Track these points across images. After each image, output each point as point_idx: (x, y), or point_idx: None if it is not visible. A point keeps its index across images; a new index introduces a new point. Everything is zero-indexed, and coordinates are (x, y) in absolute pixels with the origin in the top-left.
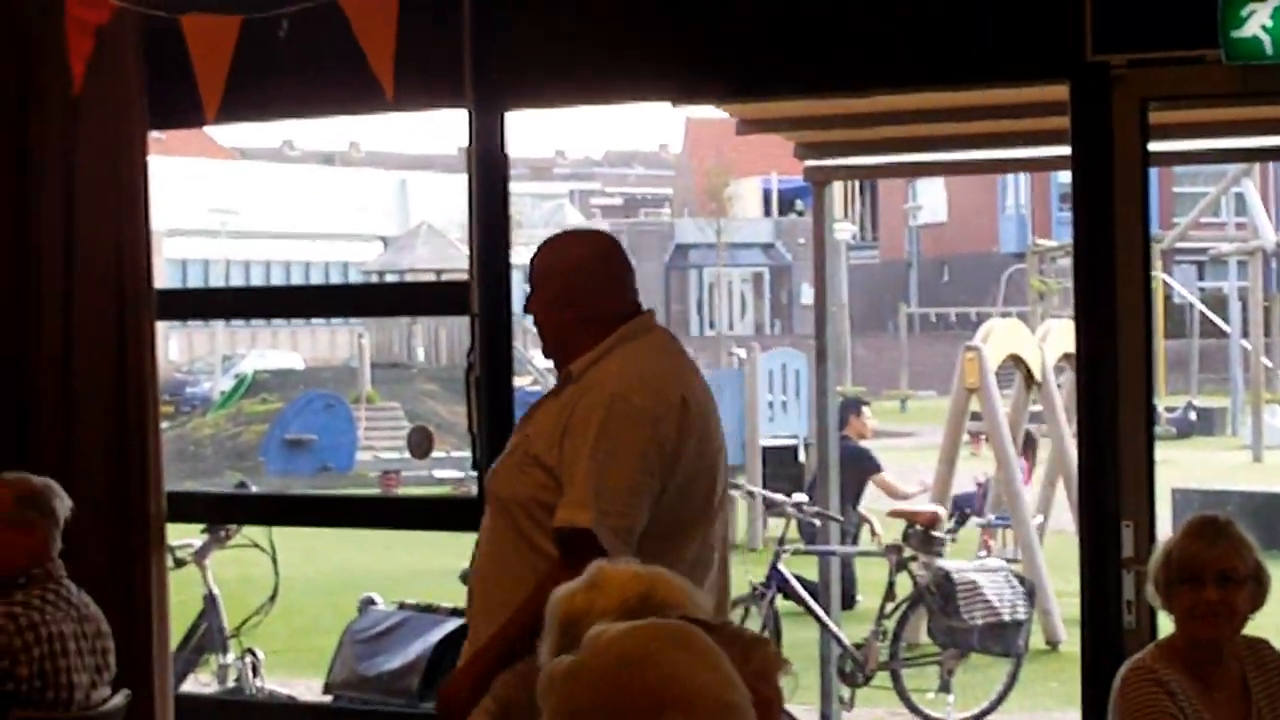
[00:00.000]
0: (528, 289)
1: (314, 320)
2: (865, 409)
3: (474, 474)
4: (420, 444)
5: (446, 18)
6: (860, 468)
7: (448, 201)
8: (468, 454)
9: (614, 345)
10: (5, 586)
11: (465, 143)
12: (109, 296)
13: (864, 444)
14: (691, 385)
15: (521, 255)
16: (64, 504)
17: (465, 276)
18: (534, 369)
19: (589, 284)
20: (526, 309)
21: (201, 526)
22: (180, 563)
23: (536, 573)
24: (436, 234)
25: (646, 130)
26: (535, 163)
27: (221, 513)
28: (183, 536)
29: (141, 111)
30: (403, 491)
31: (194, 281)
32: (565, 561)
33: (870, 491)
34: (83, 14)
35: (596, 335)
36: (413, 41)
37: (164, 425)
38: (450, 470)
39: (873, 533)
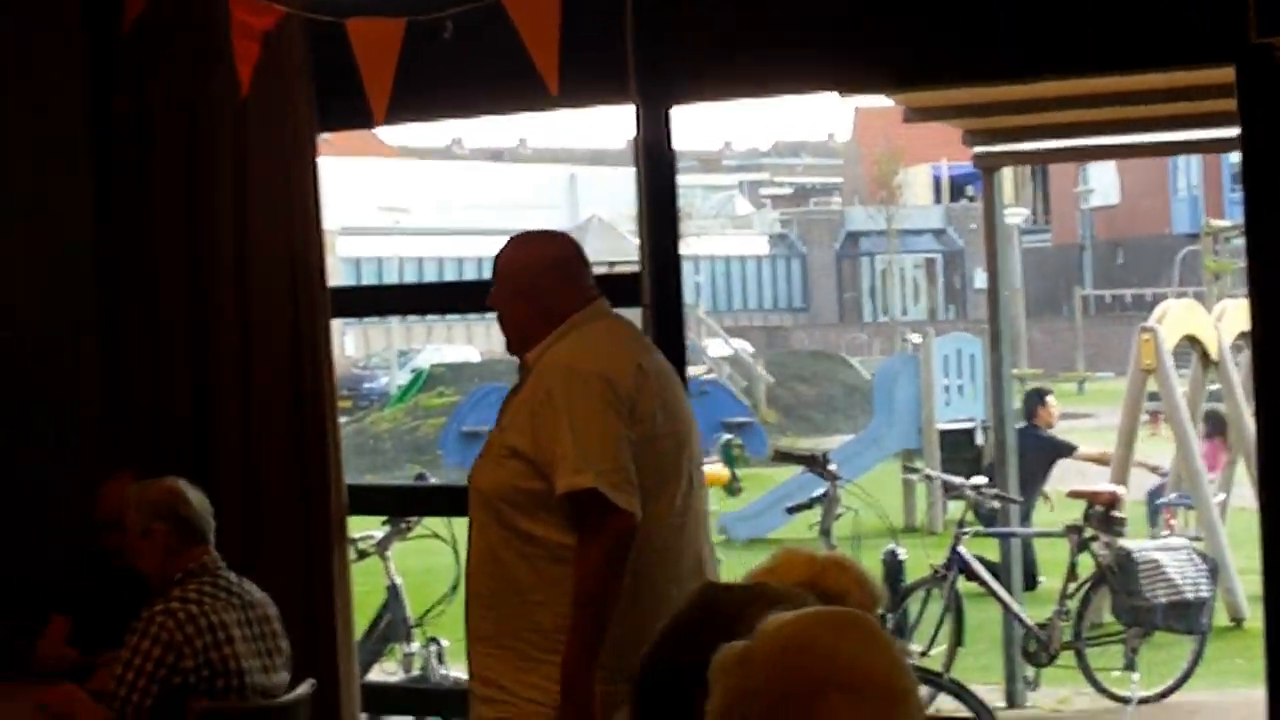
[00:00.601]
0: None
1: (488, 314)
2: (1050, 398)
3: None
4: None
5: (610, 13)
6: (1048, 453)
7: (617, 195)
8: None
9: (566, 331)
10: (165, 587)
11: (633, 136)
12: (284, 296)
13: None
14: (646, 358)
15: (692, 247)
16: (190, 501)
17: (636, 268)
18: (707, 359)
19: (545, 279)
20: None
21: (383, 519)
22: (363, 554)
23: (524, 558)
24: (607, 227)
25: (814, 120)
26: (704, 155)
27: (402, 505)
28: (364, 529)
29: (310, 114)
30: None
31: (367, 279)
32: (584, 526)
33: (1054, 475)
34: (249, 19)
35: (550, 327)
36: (576, 38)
37: (342, 420)
38: None
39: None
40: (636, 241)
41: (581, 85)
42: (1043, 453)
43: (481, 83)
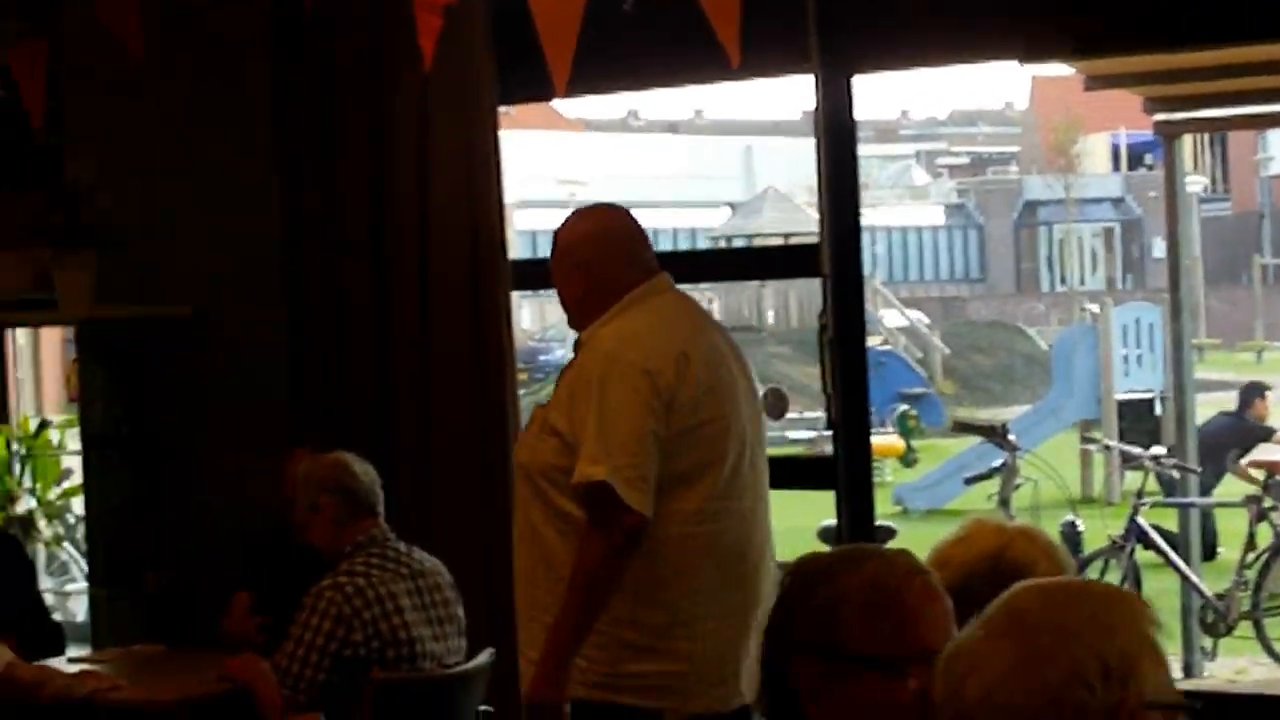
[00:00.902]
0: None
1: None
2: (1269, 393)
3: (828, 433)
4: (775, 405)
5: None
6: (1251, 439)
7: (793, 166)
8: (819, 414)
9: (620, 311)
10: (335, 560)
11: (809, 107)
12: (464, 269)
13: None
14: (695, 342)
15: (868, 217)
16: (356, 474)
17: (814, 239)
18: (883, 329)
19: (597, 256)
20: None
21: None
22: None
23: (561, 534)
24: (783, 198)
25: (991, 88)
26: (880, 124)
27: None
28: None
29: (491, 87)
30: None
31: (544, 252)
32: (591, 517)
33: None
34: None
35: (607, 303)
36: (756, 7)
37: (519, 392)
38: (803, 431)
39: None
40: (812, 212)
41: (762, 55)
42: (1244, 438)
43: (661, 54)
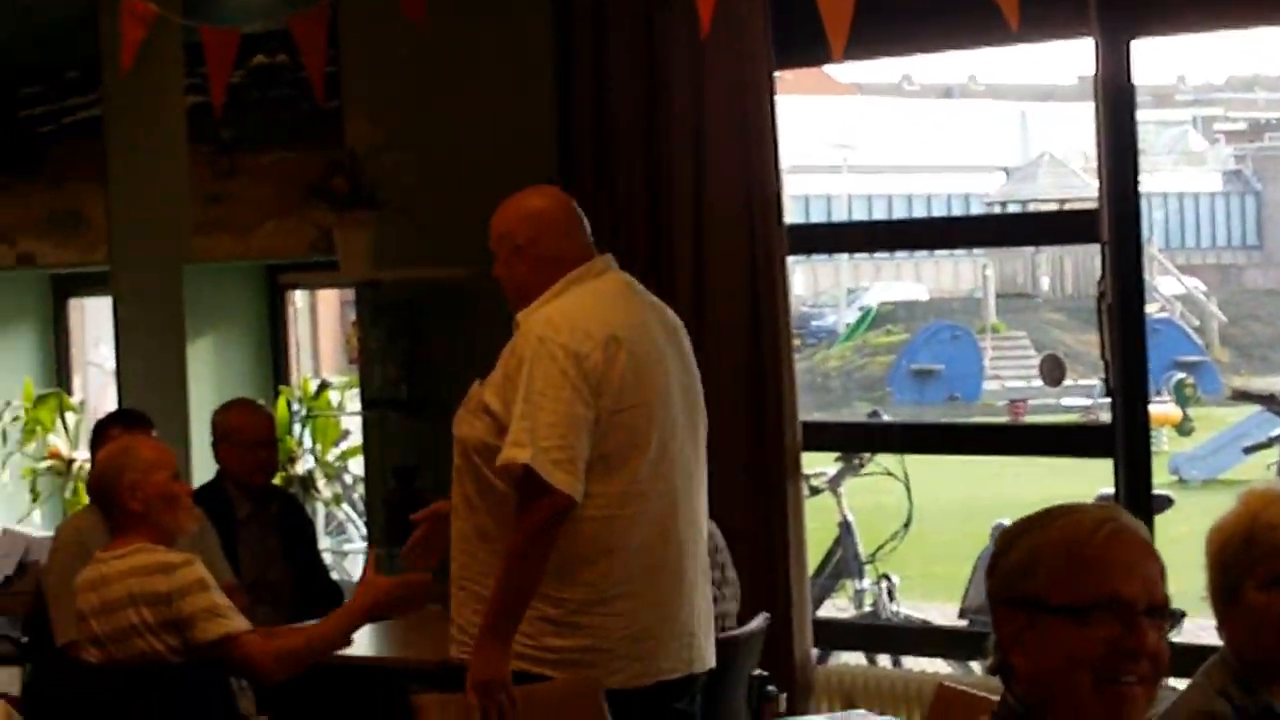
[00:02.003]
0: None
1: (936, 252)
2: None
3: (1104, 401)
4: (1052, 371)
5: None
6: None
7: (1069, 131)
8: (1094, 382)
9: (555, 293)
10: None
11: (1085, 72)
12: (741, 233)
13: None
14: (627, 325)
15: (1145, 183)
16: None
17: (1090, 205)
18: (1159, 296)
19: (532, 238)
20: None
21: (835, 455)
22: (815, 490)
23: (491, 508)
24: (1058, 164)
25: (1269, 53)
26: (1157, 89)
27: (855, 441)
28: (817, 465)
29: (768, 52)
30: (1030, 420)
31: (816, 217)
32: (521, 497)
33: None
34: None
35: (544, 285)
36: None
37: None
38: (1078, 398)
39: None
40: (1088, 178)
41: (1040, 19)
42: None
43: (939, 18)
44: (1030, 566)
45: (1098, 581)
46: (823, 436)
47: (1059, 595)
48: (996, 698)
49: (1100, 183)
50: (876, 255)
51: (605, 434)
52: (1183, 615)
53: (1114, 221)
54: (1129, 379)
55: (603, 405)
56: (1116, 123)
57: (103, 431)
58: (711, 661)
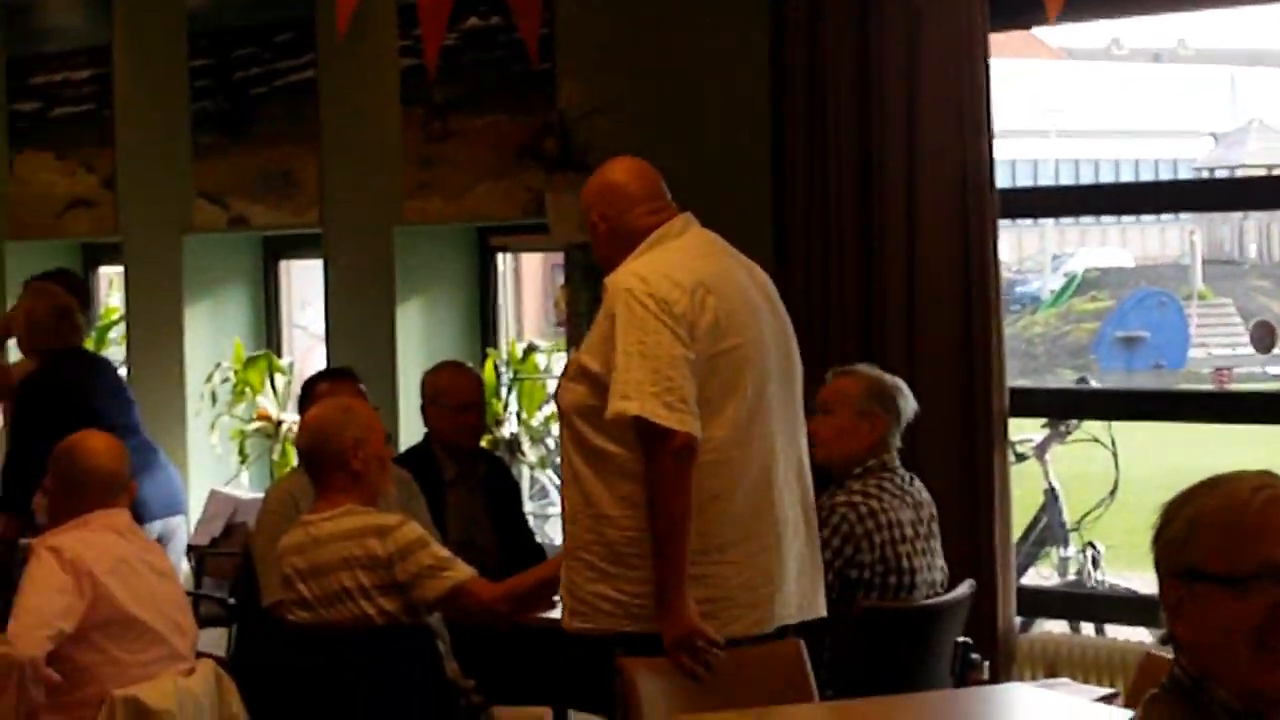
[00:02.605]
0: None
1: (1143, 217)
2: None
3: None
4: (1263, 339)
5: None
6: None
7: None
8: None
9: (640, 253)
10: (842, 478)
11: None
12: (953, 197)
13: None
14: (713, 273)
15: None
16: (909, 404)
17: None
18: None
19: (610, 209)
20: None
21: (1042, 422)
22: (1021, 457)
23: (598, 474)
24: (1268, 129)
25: None
26: None
27: (1062, 408)
28: (1023, 432)
29: (982, 15)
30: (1235, 388)
31: (1022, 182)
32: (644, 448)
33: None
34: None
35: (628, 250)
36: None
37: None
38: None
39: None
40: None
41: None
42: None
43: None
44: (1188, 537)
45: (1255, 549)
46: (1030, 402)
47: (1216, 564)
48: None
49: None
50: (1082, 221)
51: (704, 378)
52: None
53: None
54: None
55: (698, 349)
56: None
57: (311, 388)
58: (822, 610)
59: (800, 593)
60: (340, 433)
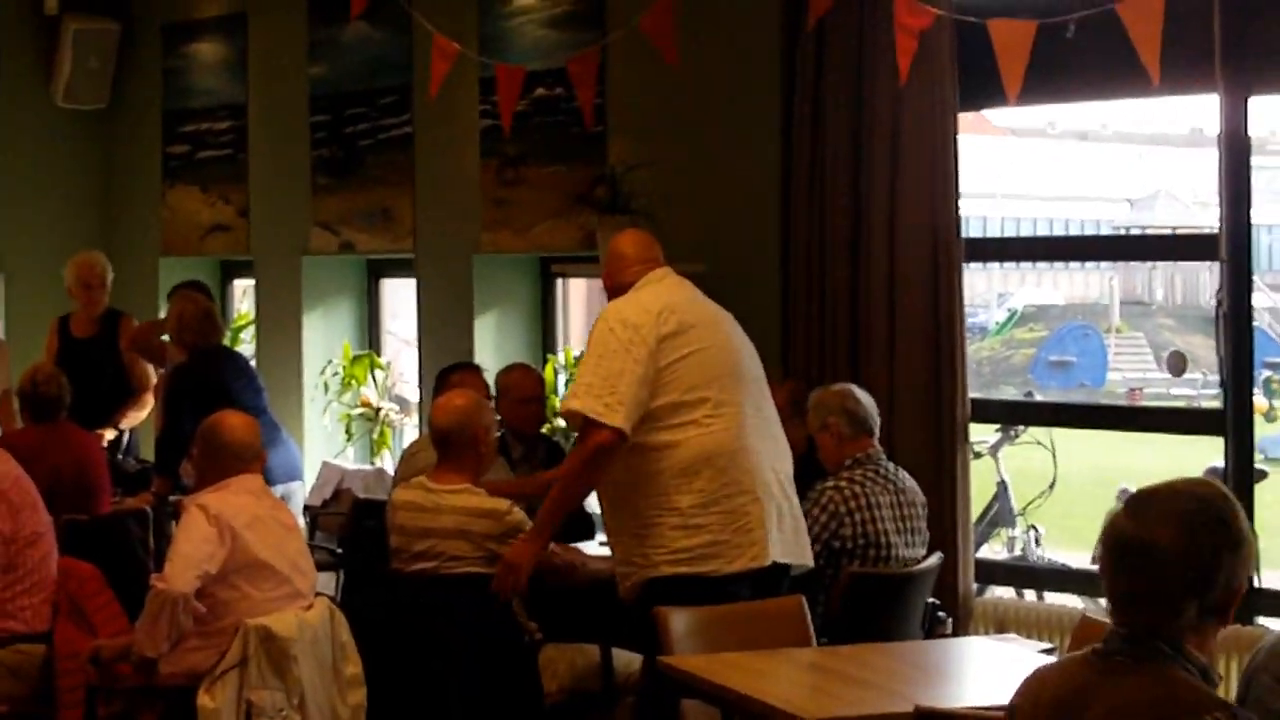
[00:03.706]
0: None
1: (1071, 264)
2: None
3: (1210, 391)
4: (1177, 365)
5: (1200, 13)
6: None
7: (1180, 172)
8: (1198, 375)
9: (629, 292)
10: (836, 470)
11: (1195, 123)
12: (926, 243)
13: None
14: (682, 300)
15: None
16: (860, 401)
17: (1201, 231)
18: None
19: (616, 263)
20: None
21: (996, 427)
22: (978, 455)
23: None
24: (1171, 197)
25: None
26: (1258, 140)
27: (1012, 416)
28: (980, 435)
29: (954, 97)
30: (1146, 404)
31: (972, 234)
32: (578, 436)
33: None
34: (909, 21)
35: (623, 291)
36: (1169, 33)
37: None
38: (1185, 389)
39: None
40: (1198, 210)
41: (1173, 76)
42: None
43: (1093, 73)
44: None
45: None
46: (986, 411)
47: None
48: None
49: (1221, 212)
50: (1022, 265)
51: (681, 375)
52: None
53: (1231, 246)
54: (1238, 372)
55: (669, 354)
56: (1235, 166)
57: (446, 376)
58: (809, 561)
59: (785, 541)
60: (479, 420)
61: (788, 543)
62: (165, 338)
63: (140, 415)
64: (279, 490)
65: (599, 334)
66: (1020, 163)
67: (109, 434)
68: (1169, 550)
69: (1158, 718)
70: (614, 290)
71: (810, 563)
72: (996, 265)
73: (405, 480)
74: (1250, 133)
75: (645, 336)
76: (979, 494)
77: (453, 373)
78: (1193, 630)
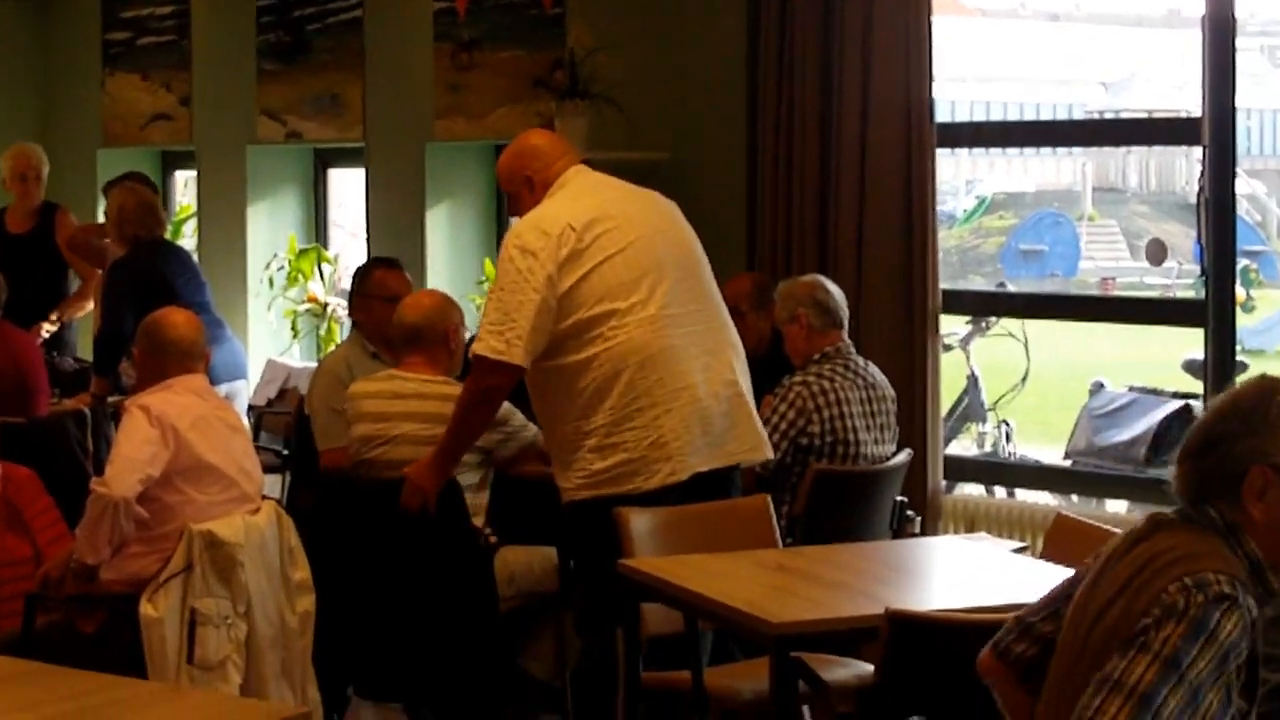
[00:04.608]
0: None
1: (1043, 150)
2: None
3: (1184, 281)
4: (1157, 254)
5: None
6: None
7: (1159, 53)
8: (1170, 264)
9: (540, 199)
10: (804, 364)
11: (1171, 4)
12: (899, 127)
13: None
14: (590, 208)
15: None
16: (830, 292)
17: (1178, 115)
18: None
19: (523, 165)
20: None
21: (967, 319)
22: (948, 348)
23: (537, 387)
24: (1148, 81)
25: None
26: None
27: (984, 307)
28: (950, 328)
29: None
30: (1119, 293)
31: (941, 118)
32: (472, 370)
33: None
34: None
35: (538, 199)
36: None
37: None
38: (1159, 278)
39: None
40: (1174, 93)
41: None
42: None
43: None
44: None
45: None
46: (958, 302)
47: None
48: (1110, 528)
49: (1203, 96)
50: (991, 151)
51: (585, 291)
52: None
53: (1214, 130)
54: (1221, 261)
55: (577, 270)
56: (1218, 47)
57: (368, 272)
58: (762, 454)
59: (713, 444)
60: (447, 316)
61: (717, 445)
62: (106, 240)
63: (79, 311)
64: (223, 390)
65: (500, 264)
66: (990, 45)
67: (46, 328)
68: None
69: (1169, 562)
70: (525, 196)
71: (762, 455)
72: (965, 151)
73: (320, 379)
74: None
75: (544, 262)
76: (948, 388)
77: (374, 268)
78: (1254, 528)
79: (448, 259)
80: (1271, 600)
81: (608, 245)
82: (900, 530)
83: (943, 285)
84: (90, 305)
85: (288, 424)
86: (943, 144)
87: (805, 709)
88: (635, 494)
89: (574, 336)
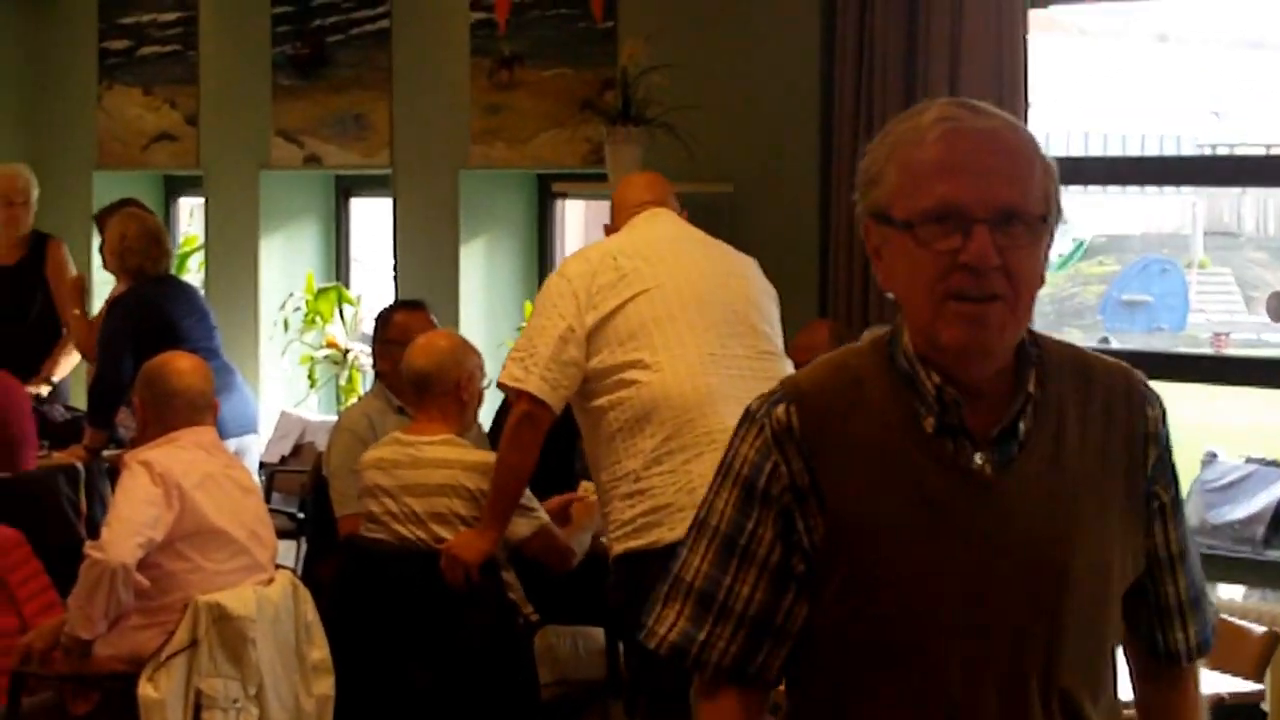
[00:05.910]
0: None
1: (1148, 188)
2: None
3: None
4: (1277, 308)
5: None
6: None
7: (1277, 81)
8: None
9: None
10: None
11: None
12: None
13: None
14: (628, 242)
15: None
16: None
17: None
18: None
19: (616, 199)
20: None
21: None
22: None
23: (583, 429)
24: (1267, 111)
25: None
26: None
27: None
28: None
29: None
30: (1231, 353)
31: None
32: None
33: None
34: None
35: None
36: None
37: None
38: (1278, 334)
39: None
40: None
41: None
42: None
43: None
44: (876, 176)
45: (928, 189)
46: None
47: (897, 207)
48: (1224, 617)
49: None
50: (1089, 188)
51: (615, 326)
52: (1042, 220)
53: None
54: None
55: (604, 303)
56: None
57: (389, 317)
58: None
59: None
60: (460, 363)
61: None
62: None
63: (75, 359)
64: (232, 445)
65: (540, 293)
66: (1090, 67)
67: (43, 388)
68: None
69: None
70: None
71: None
72: (1061, 188)
73: (338, 437)
74: None
75: (575, 288)
76: None
77: (395, 312)
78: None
79: (483, 300)
80: None
81: (650, 277)
82: None
83: None
84: (76, 356)
85: (303, 484)
86: None
87: None
88: (656, 548)
89: (605, 376)
